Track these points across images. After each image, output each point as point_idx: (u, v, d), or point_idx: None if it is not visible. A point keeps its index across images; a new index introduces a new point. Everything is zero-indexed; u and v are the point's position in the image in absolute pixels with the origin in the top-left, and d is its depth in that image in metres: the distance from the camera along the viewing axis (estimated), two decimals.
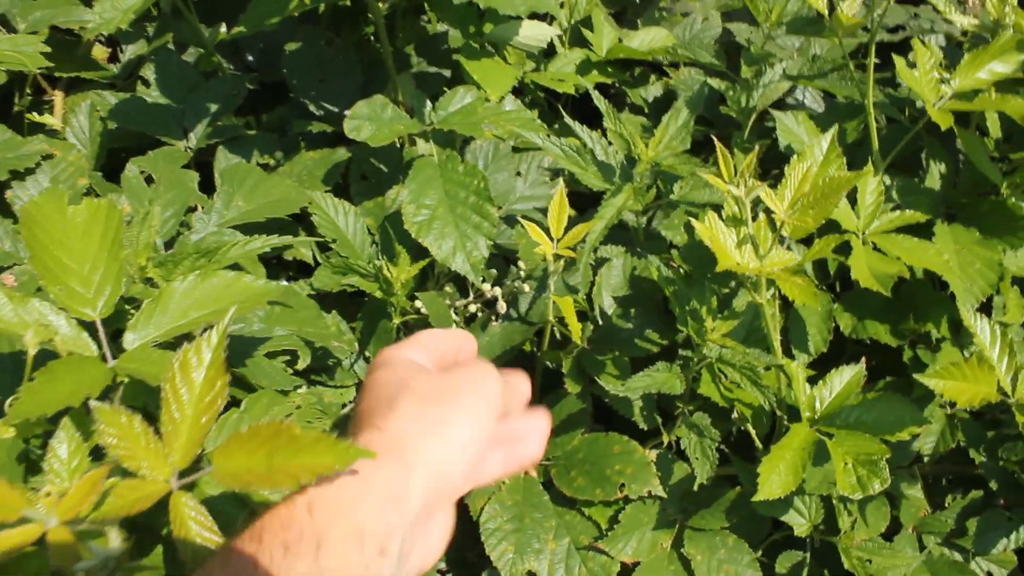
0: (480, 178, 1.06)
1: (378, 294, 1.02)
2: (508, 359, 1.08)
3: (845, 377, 0.98)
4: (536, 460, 0.63)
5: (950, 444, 1.10)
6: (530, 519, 1.02)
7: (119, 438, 0.57)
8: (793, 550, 1.08)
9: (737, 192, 0.85)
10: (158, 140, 1.22)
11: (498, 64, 1.22)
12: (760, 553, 1.06)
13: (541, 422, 0.63)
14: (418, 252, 1.06)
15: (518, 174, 1.22)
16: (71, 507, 0.56)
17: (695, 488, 0.99)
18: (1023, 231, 1.09)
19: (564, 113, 1.13)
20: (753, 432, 1.02)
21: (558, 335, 1.08)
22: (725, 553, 1.02)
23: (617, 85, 1.43)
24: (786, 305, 1.07)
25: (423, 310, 1.06)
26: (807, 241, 1.07)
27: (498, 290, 1.08)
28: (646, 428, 1.05)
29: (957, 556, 1.11)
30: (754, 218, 0.87)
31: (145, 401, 0.78)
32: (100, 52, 1.38)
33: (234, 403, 0.82)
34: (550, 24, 1.33)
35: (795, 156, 1.00)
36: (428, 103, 1.13)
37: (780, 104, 1.31)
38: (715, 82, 1.33)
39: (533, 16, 1.26)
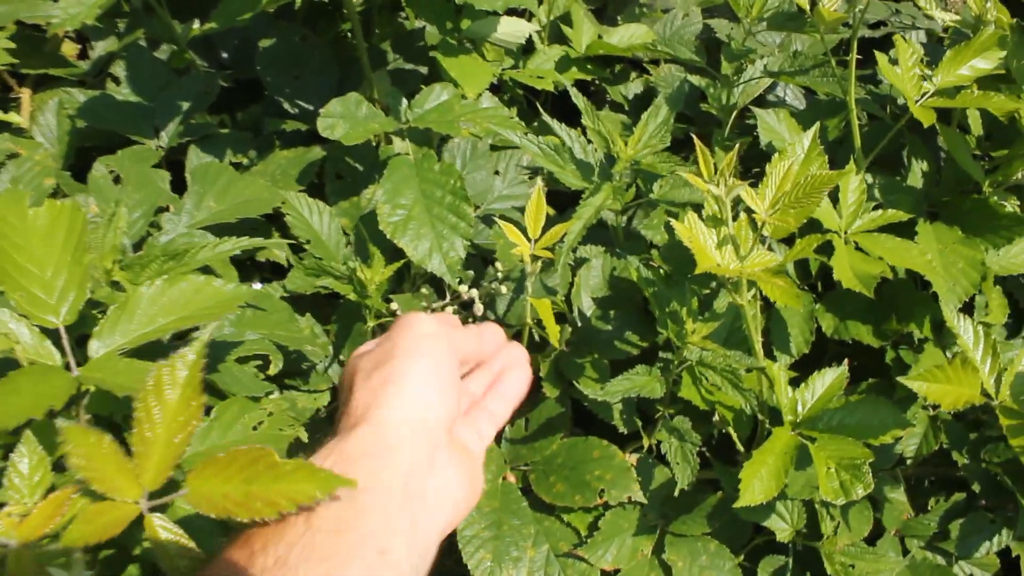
0: (457, 177, 1.05)
1: (352, 296, 1.00)
2: None
3: (827, 380, 0.96)
4: (527, 383, 0.70)
5: (933, 446, 1.09)
6: (508, 526, 1.00)
7: (87, 459, 0.54)
8: (775, 554, 1.06)
9: (717, 191, 0.83)
10: (128, 139, 1.19)
11: (476, 61, 1.20)
12: (742, 558, 1.05)
13: (516, 351, 0.70)
14: (394, 253, 1.04)
15: (496, 173, 1.20)
16: (33, 529, 0.54)
17: (676, 494, 0.98)
18: (1005, 230, 1.08)
19: (543, 111, 1.11)
20: (735, 435, 1.01)
21: (536, 337, 1.06)
22: (707, 559, 1.01)
23: (597, 82, 1.42)
24: (767, 306, 1.06)
25: (399, 312, 1.04)
26: (788, 241, 1.06)
27: (475, 292, 1.06)
28: (626, 432, 1.04)
29: (940, 560, 1.10)
30: (735, 218, 0.85)
31: (112, 410, 0.76)
32: (69, 49, 1.35)
33: (204, 410, 0.80)
34: (529, 20, 1.31)
35: (776, 154, 0.99)
36: (404, 101, 1.11)
37: (761, 101, 1.30)
38: (695, 79, 1.32)
39: (511, 12, 1.24)
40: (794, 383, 0.97)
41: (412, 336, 0.60)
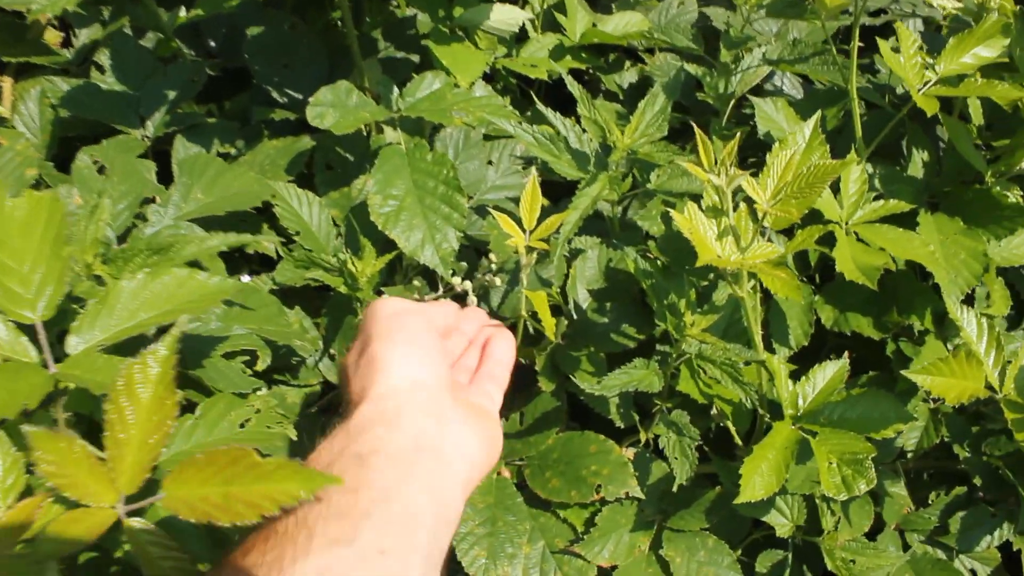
0: (449, 167, 1.02)
1: (343, 289, 0.98)
2: None
3: (828, 373, 0.95)
4: (513, 346, 0.78)
5: (934, 440, 1.08)
6: (503, 522, 0.98)
7: (58, 465, 0.52)
8: (774, 549, 1.05)
9: (718, 181, 0.81)
10: (113, 128, 1.16)
11: (468, 49, 1.18)
12: (740, 552, 1.03)
13: (492, 323, 0.79)
14: (385, 244, 1.02)
15: (489, 163, 1.18)
16: (3, 536, 0.52)
17: (674, 489, 0.96)
18: (1008, 220, 1.06)
19: (537, 100, 1.09)
20: (733, 429, 0.99)
21: (531, 330, 1.04)
22: (705, 555, 0.99)
23: (591, 71, 1.39)
24: (766, 297, 1.04)
25: None
26: (786, 232, 1.04)
27: (468, 284, 1.04)
28: (623, 426, 1.02)
29: (941, 554, 1.09)
30: (734, 208, 0.83)
31: (91, 408, 0.74)
32: (53, 36, 1.32)
33: (189, 408, 0.77)
34: (522, 8, 1.28)
35: (777, 144, 0.97)
36: (395, 89, 1.09)
37: (758, 91, 1.28)
38: (692, 68, 1.29)
39: (504, 0, 1.22)
40: (793, 376, 0.95)
41: (381, 318, 0.64)
